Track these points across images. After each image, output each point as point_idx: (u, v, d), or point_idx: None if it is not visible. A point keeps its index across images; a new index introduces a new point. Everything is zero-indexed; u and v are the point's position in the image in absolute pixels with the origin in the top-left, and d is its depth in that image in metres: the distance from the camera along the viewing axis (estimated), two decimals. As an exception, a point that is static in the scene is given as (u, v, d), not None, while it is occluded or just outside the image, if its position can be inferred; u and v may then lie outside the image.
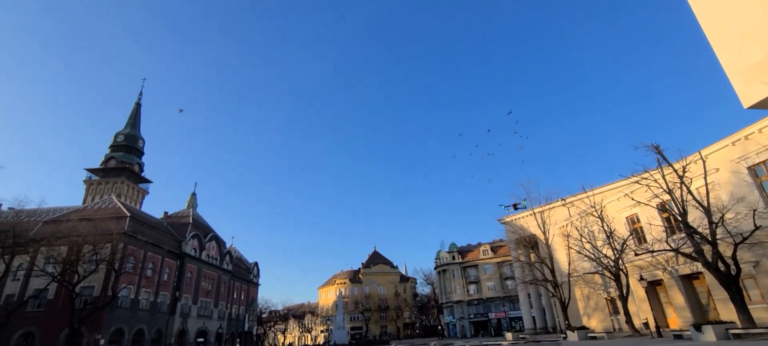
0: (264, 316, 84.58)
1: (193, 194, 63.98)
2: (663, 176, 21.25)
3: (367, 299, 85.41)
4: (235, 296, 61.48)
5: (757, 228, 18.25)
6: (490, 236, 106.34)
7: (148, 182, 79.03)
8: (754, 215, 18.74)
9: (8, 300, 35.16)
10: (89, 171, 73.30)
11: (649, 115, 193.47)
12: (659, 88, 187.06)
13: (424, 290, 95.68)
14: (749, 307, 18.55)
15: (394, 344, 32.67)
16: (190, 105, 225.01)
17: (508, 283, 69.82)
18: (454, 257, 78.09)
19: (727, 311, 21.15)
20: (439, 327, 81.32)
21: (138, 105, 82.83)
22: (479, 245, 79.37)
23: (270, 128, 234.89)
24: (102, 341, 34.28)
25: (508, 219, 44.58)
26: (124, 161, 73.91)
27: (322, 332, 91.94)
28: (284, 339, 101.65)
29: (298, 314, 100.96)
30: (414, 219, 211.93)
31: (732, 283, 17.88)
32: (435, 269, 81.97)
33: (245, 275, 67.41)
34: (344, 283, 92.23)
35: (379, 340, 66.27)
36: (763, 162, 21.20)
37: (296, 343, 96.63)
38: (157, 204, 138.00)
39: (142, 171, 78.22)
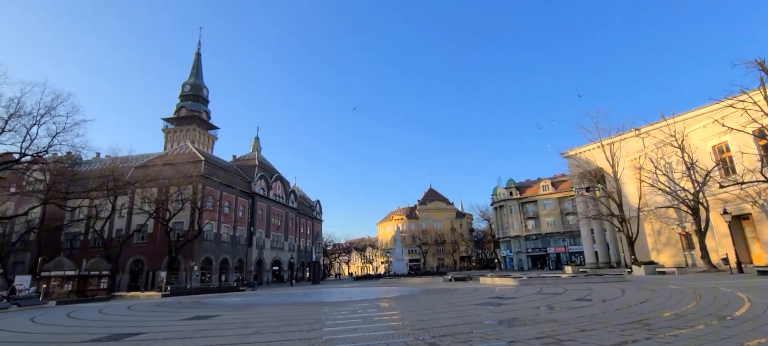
0: (328, 248, 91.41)
1: (257, 138, 68.00)
2: (766, 97, 18.50)
3: (423, 234, 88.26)
4: (301, 231, 66.77)
5: None
6: (550, 171, 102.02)
7: (216, 128, 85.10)
8: None
9: (118, 234, 41.61)
10: (165, 120, 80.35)
11: (750, 29, 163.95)
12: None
13: (480, 225, 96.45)
14: None
15: (451, 275, 33.97)
16: (247, 49, 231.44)
17: (569, 218, 67.72)
18: (511, 193, 76.72)
19: (829, 247, 18.94)
20: (496, 260, 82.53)
21: (198, 55, 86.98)
22: (539, 180, 76.77)
23: (328, 68, 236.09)
24: (195, 267, 39.67)
25: (571, 152, 42.16)
26: (193, 110, 79.68)
27: (382, 263, 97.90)
28: (348, 269, 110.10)
29: (360, 247, 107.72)
30: (471, 157, 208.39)
31: (840, 216, 15.76)
32: (492, 205, 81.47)
33: (309, 211, 72.36)
34: (401, 219, 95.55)
35: (436, 271, 69.20)
36: None
37: (358, 272, 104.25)
38: (226, 148, 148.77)
39: (209, 118, 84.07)
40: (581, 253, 52.76)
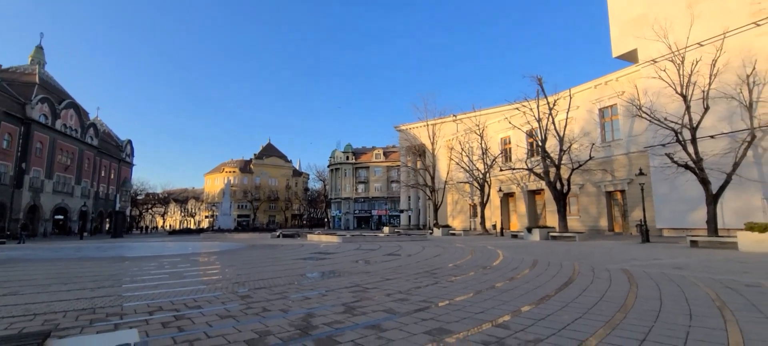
0: (139, 197, 78.29)
1: (39, 47, 51.11)
2: (538, 106, 24.35)
3: (257, 190, 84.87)
4: (103, 175, 54.82)
5: (590, 158, 22.79)
6: (384, 141, 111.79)
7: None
8: (591, 148, 23.23)
9: None
10: None
11: (546, 50, 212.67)
12: (556, 20, 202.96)
13: (315, 185, 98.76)
14: (567, 217, 23.87)
15: (280, 232, 34.01)
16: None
17: (393, 185, 76.17)
18: (347, 158, 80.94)
19: (552, 220, 26.93)
20: (326, 219, 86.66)
21: None
22: (373, 148, 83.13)
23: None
24: None
25: (403, 127, 47.00)
26: None
27: (206, 217, 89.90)
28: (163, 222, 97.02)
29: (181, 198, 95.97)
30: (314, 119, 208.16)
31: (562, 199, 22.50)
32: (328, 166, 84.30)
33: (116, 152, 59.81)
34: (234, 172, 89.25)
35: (265, 228, 67.98)
36: (610, 106, 25.78)
37: (177, 226, 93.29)
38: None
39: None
40: (399, 216, 60.31)
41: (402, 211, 52.72)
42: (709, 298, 4.94)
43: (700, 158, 15.82)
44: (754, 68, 16.69)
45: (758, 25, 17.79)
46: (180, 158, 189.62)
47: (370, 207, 78.89)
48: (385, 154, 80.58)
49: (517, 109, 26.75)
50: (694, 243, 14.29)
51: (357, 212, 79.16)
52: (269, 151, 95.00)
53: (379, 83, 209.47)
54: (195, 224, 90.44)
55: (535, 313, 4.28)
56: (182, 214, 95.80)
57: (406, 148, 46.76)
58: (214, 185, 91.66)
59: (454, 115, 40.91)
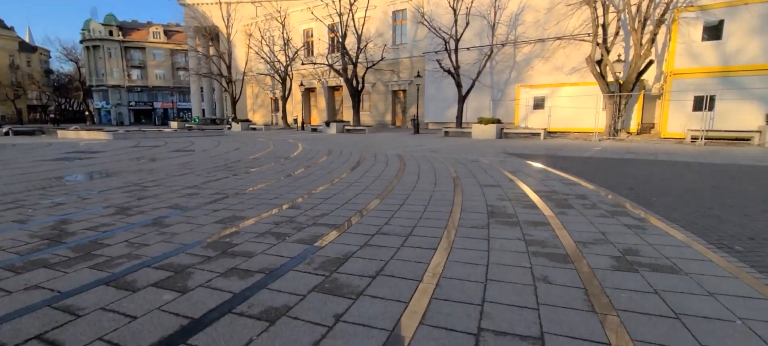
0: None
1: None
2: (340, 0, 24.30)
3: (-49, 67, 57.42)
4: None
5: (382, 59, 25.09)
6: (164, 16, 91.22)
7: None
8: (384, 48, 25.45)
9: None
10: None
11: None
12: None
13: (64, 66, 74.33)
14: (361, 113, 26.48)
15: (8, 128, 25.19)
16: None
17: (181, 73, 65.27)
18: (111, 33, 63.00)
19: (348, 115, 29.36)
20: (88, 112, 68.21)
21: None
22: (149, 24, 67.10)
23: None
24: None
25: (189, 1, 39.19)
26: None
27: None
28: None
29: None
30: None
31: (356, 95, 24.51)
32: (82, 42, 63.89)
33: None
34: None
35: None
36: (402, 10, 28.17)
37: None
38: None
39: None
40: (190, 109, 53.29)
41: (192, 104, 46.62)
42: (448, 170, 6.62)
43: (458, 66, 19.73)
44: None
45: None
46: None
47: (151, 98, 66.23)
48: (167, 33, 66.53)
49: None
50: (447, 133, 18.44)
51: (133, 103, 65.25)
52: (-33, 9, 63.68)
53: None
54: None
55: (324, 193, 4.78)
56: None
57: (194, 28, 39.75)
58: None
59: (252, -4, 36.56)
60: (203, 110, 44.50)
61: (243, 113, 37.38)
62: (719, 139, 13.84)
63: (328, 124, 23.33)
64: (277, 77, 31.72)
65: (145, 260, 2.56)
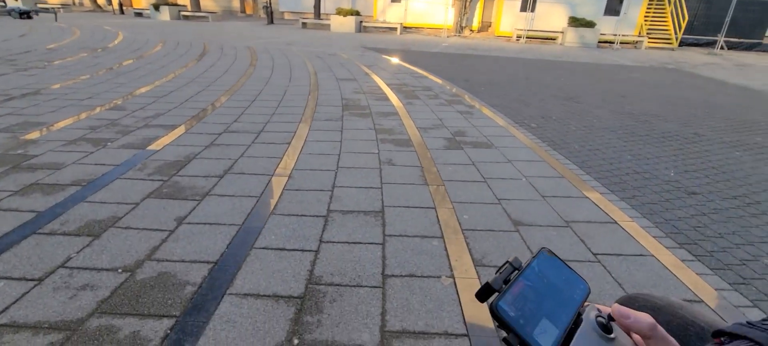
0: None
1: None
2: None
3: None
4: None
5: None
6: None
7: None
8: None
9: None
10: None
11: None
12: None
13: None
14: (202, -5, 22.33)
15: None
16: None
17: None
18: None
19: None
20: None
21: None
22: None
23: None
24: None
25: None
26: None
27: None
28: None
29: None
30: None
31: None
32: None
33: None
34: None
35: None
36: None
37: None
38: None
39: None
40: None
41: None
42: (305, 64, 6.33)
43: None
44: None
45: None
46: None
47: None
48: None
49: None
50: (304, 25, 17.23)
51: None
52: None
53: None
54: None
55: (157, 91, 4.08)
56: None
57: None
58: None
59: None
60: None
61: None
62: (536, 37, 16.47)
63: (157, 7, 19.06)
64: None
65: None
